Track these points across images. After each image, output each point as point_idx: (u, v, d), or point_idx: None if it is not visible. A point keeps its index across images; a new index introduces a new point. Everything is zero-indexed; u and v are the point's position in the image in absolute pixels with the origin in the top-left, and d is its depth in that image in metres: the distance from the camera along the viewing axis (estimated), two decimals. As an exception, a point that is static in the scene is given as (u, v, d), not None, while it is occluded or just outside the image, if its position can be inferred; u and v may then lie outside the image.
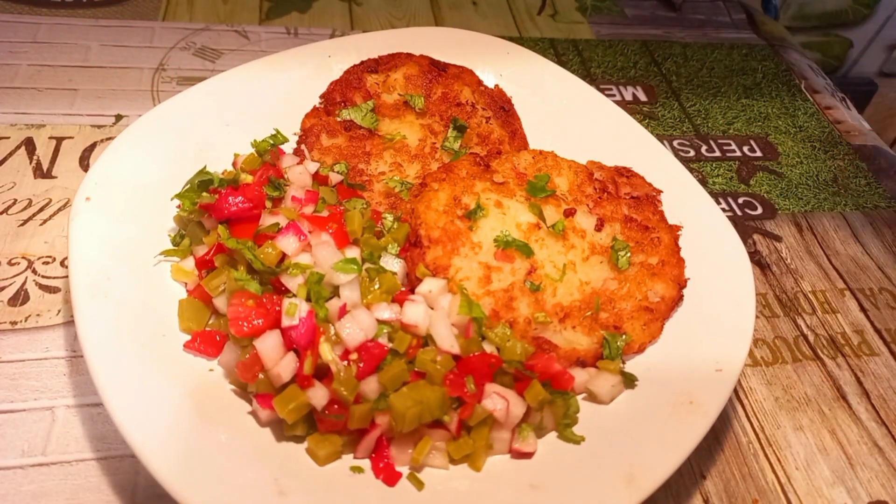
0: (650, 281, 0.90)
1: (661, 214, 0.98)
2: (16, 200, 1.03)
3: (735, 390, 0.97)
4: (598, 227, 0.95)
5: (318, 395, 0.73)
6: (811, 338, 1.05)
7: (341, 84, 1.12)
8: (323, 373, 0.76)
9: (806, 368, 1.01)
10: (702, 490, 0.86)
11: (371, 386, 0.76)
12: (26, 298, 0.91)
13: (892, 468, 0.90)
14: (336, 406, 0.74)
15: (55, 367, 0.85)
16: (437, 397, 0.74)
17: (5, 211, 1.01)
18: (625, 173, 1.01)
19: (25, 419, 0.80)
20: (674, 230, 0.96)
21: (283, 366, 0.74)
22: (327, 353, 0.75)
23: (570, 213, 0.95)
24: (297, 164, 0.96)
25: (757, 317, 1.07)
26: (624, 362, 0.85)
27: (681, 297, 0.90)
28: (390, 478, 0.74)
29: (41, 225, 1.00)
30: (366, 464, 0.75)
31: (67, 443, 0.79)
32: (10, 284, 0.92)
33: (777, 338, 1.05)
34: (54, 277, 0.94)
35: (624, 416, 0.79)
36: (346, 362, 0.75)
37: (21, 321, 0.89)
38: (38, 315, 0.90)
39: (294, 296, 0.79)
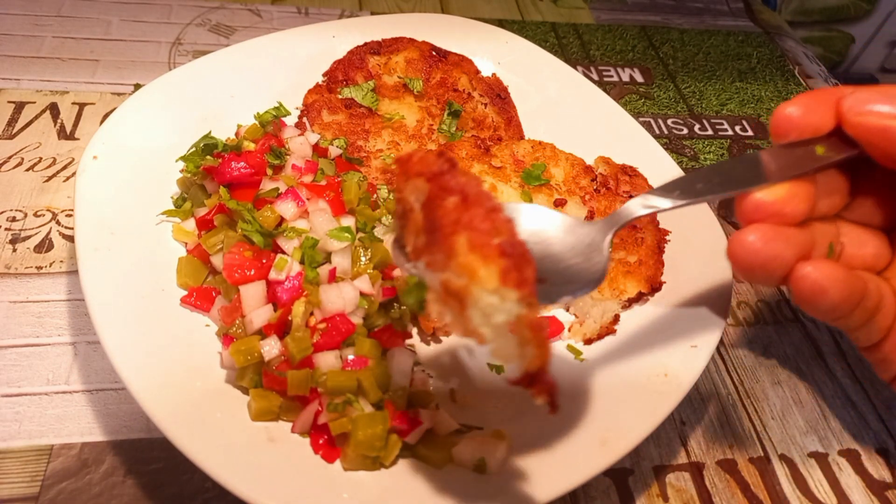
0: (622, 278, 0.91)
1: (652, 216, 0.97)
2: (41, 159, 1.09)
3: (717, 347, 1.01)
4: (588, 219, 0.96)
5: (269, 345, 0.74)
6: (793, 302, 1.10)
7: (344, 63, 1.15)
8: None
9: (787, 329, 1.06)
10: (681, 434, 0.91)
11: (328, 360, 0.76)
12: (51, 246, 0.97)
13: (863, 420, 0.95)
14: (285, 365, 0.74)
15: (77, 307, 0.91)
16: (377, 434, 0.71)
17: (31, 168, 1.07)
18: (629, 172, 1.02)
19: (50, 352, 0.87)
20: (661, 233, 0.97)
21: (258, 314, 0.76)
22: (298, 311, 0.76)
23: (560, 203, 0.97)
24: (299, 135, 0.99)
25: (740, 281, 1.12)
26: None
27: (659, 286, 0.92)
28: (329, 455, 0.72)
29: (64, 181, 1.06)
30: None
31: (88, 374, 0.85)
32: (36, 234, 0.99)
33: (760, 301, 1.10)
34: (77, 228, 1.01)
35: (601, 387, 0.82)
36: (310, 327, 0.76)
37: (46, 266, 0.95)
38: (61, 261, 0.96)
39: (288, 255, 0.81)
